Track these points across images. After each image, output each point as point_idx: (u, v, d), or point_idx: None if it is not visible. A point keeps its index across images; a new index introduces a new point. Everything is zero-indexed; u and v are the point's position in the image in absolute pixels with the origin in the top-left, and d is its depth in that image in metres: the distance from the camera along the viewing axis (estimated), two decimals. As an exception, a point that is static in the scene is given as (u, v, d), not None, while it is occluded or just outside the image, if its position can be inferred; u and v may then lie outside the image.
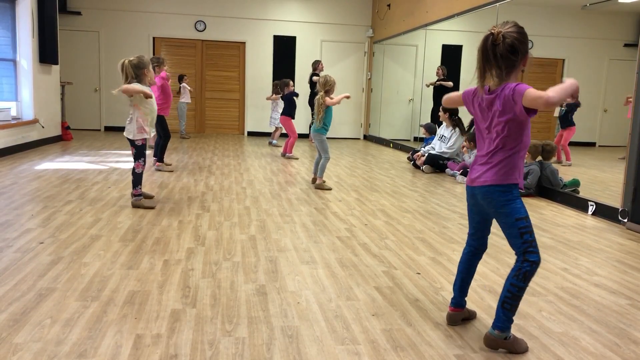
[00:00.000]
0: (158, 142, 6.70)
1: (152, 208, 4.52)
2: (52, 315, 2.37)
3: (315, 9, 11.92)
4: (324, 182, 5.88)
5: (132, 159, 4.51)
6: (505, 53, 2.10)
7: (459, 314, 2.47)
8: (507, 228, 2.19)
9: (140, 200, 4.55)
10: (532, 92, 2.02)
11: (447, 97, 2.55)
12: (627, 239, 4.20)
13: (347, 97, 5.90)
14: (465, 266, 2.43)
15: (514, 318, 2.21)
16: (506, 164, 2.18)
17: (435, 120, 9.07)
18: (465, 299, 2.48)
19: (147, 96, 4.43)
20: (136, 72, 4.38)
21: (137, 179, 4.51)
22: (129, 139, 4.50)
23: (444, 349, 2.23)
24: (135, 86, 4.36)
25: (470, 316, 2.52)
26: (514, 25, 2.14)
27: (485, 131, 2.26)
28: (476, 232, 2.40)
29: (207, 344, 2.18)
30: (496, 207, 2.20)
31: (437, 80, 9.40)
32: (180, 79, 10.72)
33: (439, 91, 9.48)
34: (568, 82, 2.05)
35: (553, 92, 1.98)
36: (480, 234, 2.39)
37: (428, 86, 9.68)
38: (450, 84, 9.13)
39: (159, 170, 6.61)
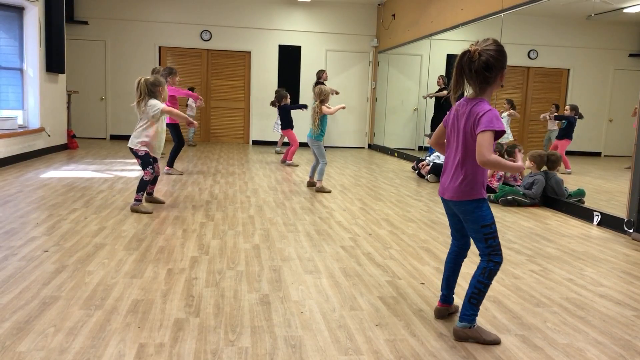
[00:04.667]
0: (174, 149, 7.01)
1: (150, 212, 4.66)
2: (55, 324, 2.38)
3: (320, 18, 11.98)
4: (323, 186, 6.20)
5: (140, 168, 4.74)
6: (479, 70, 2.19)
7: (447, 309, 2.62)
8: (473, 233, 2.39)
9: (139, 205, 4.70)
10: (485, 138, 2.13)
11: (432, 142, 2.60)
12: (632, 249, 4.17)
13: (343, 108, 6.49)
14: (450, 265, 2.57)
15: (476, 312, 2.39)
16: (470, 181, 2.29)
17: (436, 128, 9.09)
18: (454, 295, 2.62)
19: (182, 118, 4.94)
20: (152, 89, 4.62)
21: (142, 185, 4.70)
22: (131, 149, 4.68)
23: (448, 359, 2.22)
24: (179, 113, 4.91)
25: (457, 311, 2.63)
26: (492, 42, 2.22)
27: (453, 143, 2.37)
28: (456, 232, 2.54)
29: (210, 354, 2.17)
30: (464, 215, 2.36)
31: (437, 91, 9.45)
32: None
33: (439, 98, 9.53)
34: (511, 165, 2.28)
35: (495, 161, 2.12)
36: (460, 234, 2.53)
37: (425, 98, 9.72)
38: (445, 93, 9.15)
39: (169, 174, 6.87)
